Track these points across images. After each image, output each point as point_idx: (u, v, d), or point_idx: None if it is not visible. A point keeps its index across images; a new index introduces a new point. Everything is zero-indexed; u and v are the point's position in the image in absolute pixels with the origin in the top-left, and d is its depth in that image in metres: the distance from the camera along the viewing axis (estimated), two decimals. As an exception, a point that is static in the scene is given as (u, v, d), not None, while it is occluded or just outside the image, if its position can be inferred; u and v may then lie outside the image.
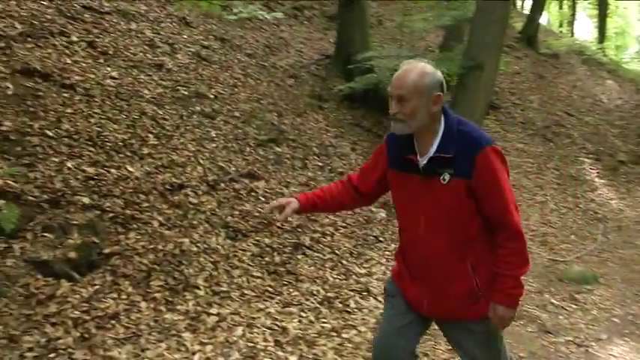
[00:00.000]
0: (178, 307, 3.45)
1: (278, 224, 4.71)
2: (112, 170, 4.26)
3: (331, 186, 2.31)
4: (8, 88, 4.38)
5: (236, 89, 6.71)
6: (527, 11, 19.08)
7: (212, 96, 6.21)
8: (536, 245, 6.44)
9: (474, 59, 7.05)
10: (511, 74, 12.36)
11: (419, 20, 9.44)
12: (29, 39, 5.17)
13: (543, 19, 21.05)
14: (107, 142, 4.51)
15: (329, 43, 9.47)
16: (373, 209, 5.66)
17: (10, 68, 4.60)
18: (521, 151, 9.63)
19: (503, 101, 11.30)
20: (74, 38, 5.60)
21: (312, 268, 4.42)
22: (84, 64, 5.32)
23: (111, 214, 3.87)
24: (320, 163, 6.17)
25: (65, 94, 4.75)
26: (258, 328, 3.47)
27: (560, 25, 27.50)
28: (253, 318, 3.56)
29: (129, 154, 4.56)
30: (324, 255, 4.66)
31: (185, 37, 7.20)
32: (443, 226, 1.98)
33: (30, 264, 3.25)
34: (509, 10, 7.96)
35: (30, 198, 3.59)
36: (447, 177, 1.92)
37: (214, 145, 5.38)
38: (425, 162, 1.97)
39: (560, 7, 27.77)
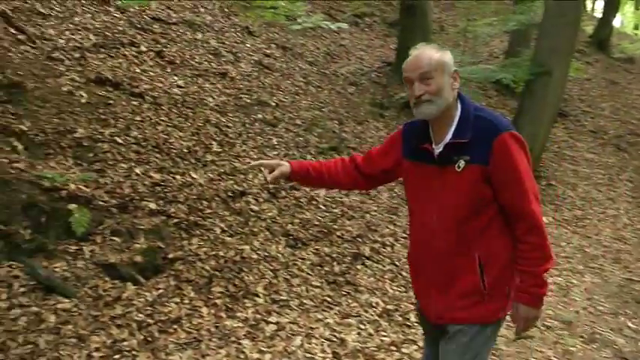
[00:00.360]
0: (238, 314, 3.47)
1: (338, 234, 4.67)
2: (177, 177, 4.37)
3: (330, 162, 2.25)
4: (82, 96, 4.59)
5: (297, 97, 6.75)
6: (598, 14, 18.22)
7: (274, 104, 6.28)
8: (609, 262, 6.05)
9: (542, 65, 6.79)
10: (581, 80, 11.79)
11: (483, 25, 9.17)
12: (102, 50, 5.42)
13: (616, 22, 19.99)
14: (173, 149, 4.64)
15: (390, 50, 9.38)
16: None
17: (84, 78, 4.84)
18: (591, 162, 9.13)
19: (572, 109, 10.80)
20: (143, 48, 5.82)
21: (372, 279, 4.35)
22: (152, 74, 5.51)
23: (175, 220, 3.96)
24: (380, 172, 6.09)
25: (134, 103, 4.93)
26: (316, 338, 3.44)
27: (636, 28, 26.04)
28: (312, 328, 3.53)
29: (193, 161, 4.66)
30: (384, 266, 4.58)
31: (248, 45, 7.33)
32: (456, 216, 1.91)
33: (98, 266, 3.38)
34: (580, 13, 7.60)
35: (100, 203, 3.73)
36: (462, 164, 1.87)
37: (276, 152, 5.42)
38: (440, 149, 1.92)
39: (637, 8, 26.25)
